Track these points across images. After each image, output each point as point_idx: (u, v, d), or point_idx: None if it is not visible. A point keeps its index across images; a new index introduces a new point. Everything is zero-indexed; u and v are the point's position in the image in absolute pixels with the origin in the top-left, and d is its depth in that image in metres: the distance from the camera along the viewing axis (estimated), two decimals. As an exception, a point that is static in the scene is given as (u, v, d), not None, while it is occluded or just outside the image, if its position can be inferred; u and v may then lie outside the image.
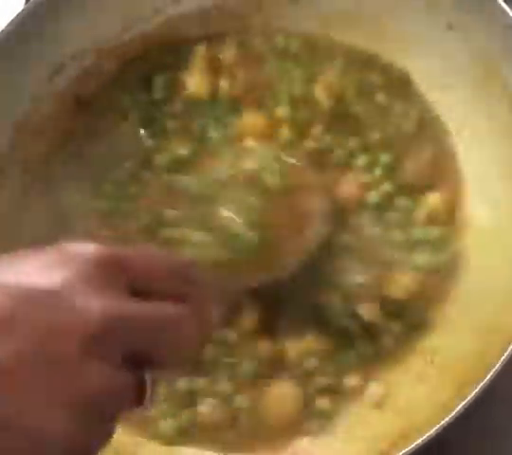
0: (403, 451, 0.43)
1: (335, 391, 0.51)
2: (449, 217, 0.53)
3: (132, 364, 0.31)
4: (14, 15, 0.53)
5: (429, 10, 0.52)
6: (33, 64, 0.54)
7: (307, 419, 0.50)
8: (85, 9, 0.54)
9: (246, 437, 0.51)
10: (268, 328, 0.52)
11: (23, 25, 0.53)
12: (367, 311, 0.50)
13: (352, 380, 0.51)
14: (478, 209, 0.53)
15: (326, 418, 0.50)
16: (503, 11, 0.49)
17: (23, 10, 0.53)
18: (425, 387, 0.49)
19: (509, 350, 0.43)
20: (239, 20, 0.57)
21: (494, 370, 0.43)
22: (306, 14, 0.56)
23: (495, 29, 0.49)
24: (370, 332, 0.51)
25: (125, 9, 0.56)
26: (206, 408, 0.51)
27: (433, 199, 0.53)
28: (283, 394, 0.51)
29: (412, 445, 0.43)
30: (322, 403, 0.50)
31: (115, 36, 0.57)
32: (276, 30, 0.57)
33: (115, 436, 0.31)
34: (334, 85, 0.55)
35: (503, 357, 0.43)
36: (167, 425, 0.51)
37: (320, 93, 0.55)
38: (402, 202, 0.53)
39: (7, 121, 0.55)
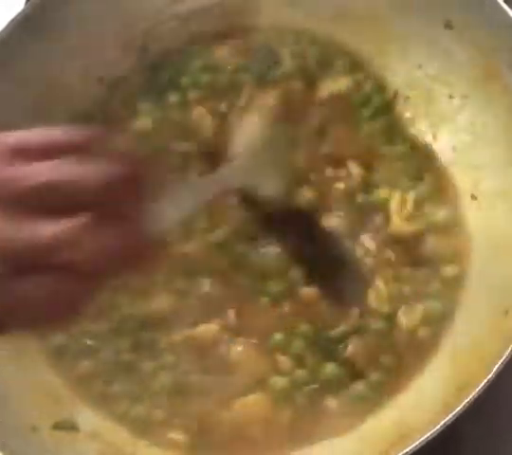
0: (403, 451, 0.43)
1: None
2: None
3: None
4: (14, 15, 0.53)
5: (427, 9, 0.52)
6: (34, 64, 0.54)
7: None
8: (85, 8, 0.55)
9: None
10: None
11: (22, 25, 0.53)
12: None
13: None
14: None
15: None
16: (503, 11, 0.49)
17: (23, 10, 0.54)
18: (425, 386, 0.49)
19: (510, 349, 0.43)
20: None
21: (495, 370, 0.42)
22: (304, 14, 0.56)
23: (495, 29, 0.49)
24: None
25: (126, 9, 0.56)
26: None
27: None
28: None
29: (413, 446, 0.43)
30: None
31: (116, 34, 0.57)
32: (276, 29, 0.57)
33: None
34: None
35: (504, 358, 0.43)
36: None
37: None
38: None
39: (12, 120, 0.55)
